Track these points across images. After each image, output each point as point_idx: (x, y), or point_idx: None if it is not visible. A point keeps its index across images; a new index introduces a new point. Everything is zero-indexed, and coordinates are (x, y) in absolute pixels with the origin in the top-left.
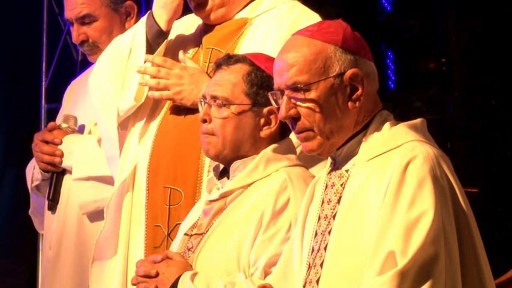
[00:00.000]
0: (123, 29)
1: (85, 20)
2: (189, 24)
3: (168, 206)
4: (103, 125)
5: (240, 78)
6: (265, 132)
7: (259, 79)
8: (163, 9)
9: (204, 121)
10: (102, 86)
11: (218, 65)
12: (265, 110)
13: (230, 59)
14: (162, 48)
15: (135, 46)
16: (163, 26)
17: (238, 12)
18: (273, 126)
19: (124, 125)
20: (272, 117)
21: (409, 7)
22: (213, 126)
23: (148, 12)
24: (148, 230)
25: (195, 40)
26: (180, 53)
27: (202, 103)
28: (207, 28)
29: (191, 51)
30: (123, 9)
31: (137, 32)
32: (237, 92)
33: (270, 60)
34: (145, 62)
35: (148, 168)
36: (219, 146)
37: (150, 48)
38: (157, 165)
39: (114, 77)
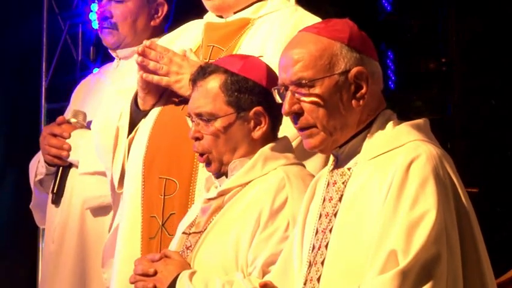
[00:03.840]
0: (147, 25)
1: None
2: (191, 27)
3: (162, 197)
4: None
5: (218, 89)
6: (257, 133)
7: (236, 84)
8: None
9: (197, 139)
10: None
11: (194, 81)
12: (251, 113)
13: (204, 73)
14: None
15: (121, 126)
16: (141, 107)
17: (243, 9)
18: (264, 125)
19: None
20: (260, 117)
21: (409, 7)
22: (205, 143)
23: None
24: (144, 221)
25: (196, 39)
26: (184, 49)
27: (191, 121)
28: (208, 27)
29: (192, 48)
30: (155, 4)
31: (123, 113)
32: (218, 104)
33: (243, 58)
34: (147, 47)
35: (144, 160)
36: (218, 160)
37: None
38: (153, 157)
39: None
